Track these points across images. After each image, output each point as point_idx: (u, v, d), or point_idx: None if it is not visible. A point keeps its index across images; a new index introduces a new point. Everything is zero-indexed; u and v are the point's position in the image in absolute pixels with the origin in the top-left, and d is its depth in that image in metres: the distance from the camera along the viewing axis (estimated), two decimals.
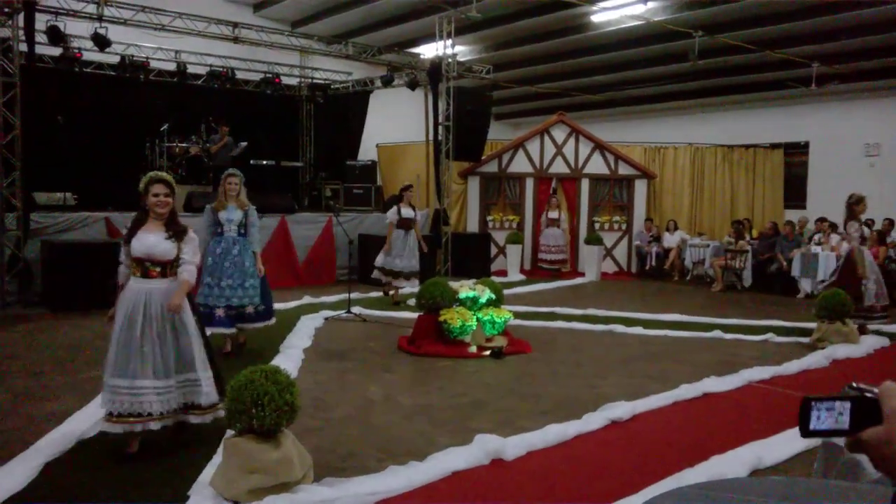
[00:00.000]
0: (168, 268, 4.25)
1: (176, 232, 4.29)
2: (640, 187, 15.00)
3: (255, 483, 3.52)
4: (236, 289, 6.50)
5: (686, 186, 15.78)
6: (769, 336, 8.23)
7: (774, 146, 16.34)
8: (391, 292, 10.37)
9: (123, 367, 4.05)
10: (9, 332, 7.77)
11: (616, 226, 14.94)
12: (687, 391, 5.77)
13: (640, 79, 17.55)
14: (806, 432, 1.15)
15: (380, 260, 10.07)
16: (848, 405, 1.12)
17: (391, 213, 10.13)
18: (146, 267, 4.21)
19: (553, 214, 14.55)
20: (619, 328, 8.57)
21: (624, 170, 14.94)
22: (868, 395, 1.12)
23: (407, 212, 10.04)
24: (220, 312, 6.45)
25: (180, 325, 4.23)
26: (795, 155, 16.83)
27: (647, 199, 15.08)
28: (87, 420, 4.67)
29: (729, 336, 8.26)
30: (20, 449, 4.15)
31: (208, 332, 5.08)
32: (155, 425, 4.10)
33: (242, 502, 3.49)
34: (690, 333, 8.40)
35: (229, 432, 3.82)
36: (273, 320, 7.01)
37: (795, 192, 16.47)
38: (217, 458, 3.91)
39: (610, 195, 15.06)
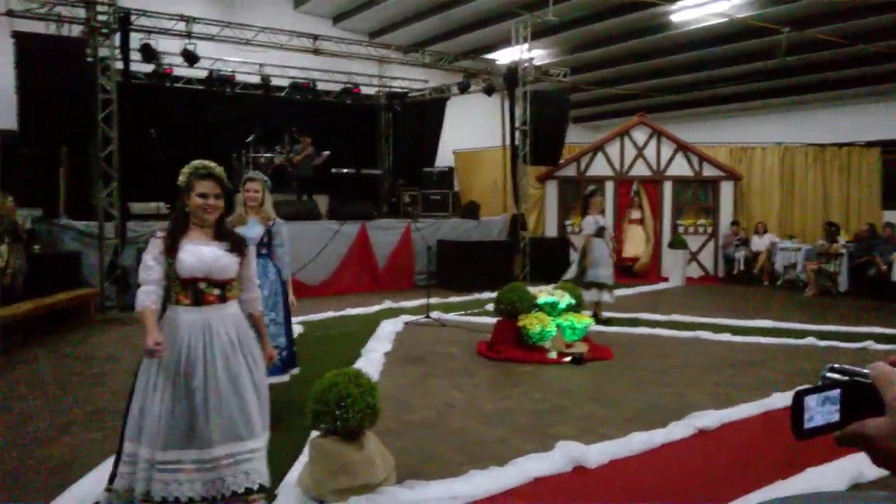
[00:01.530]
0: (227, 289, 3.18)
1: (235, 242, 3.25)
2: (727, 189, 14.53)
3: (340, 483, 3.58)
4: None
5: (775, 188, 15.17)
6: (868, 343, 7.80)
7: (870, 144, 15.51)
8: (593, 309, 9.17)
9: (178, 433, 2.99)
10: (108, 335, 8.20)
11: (701, 229, 14.52)
12: (779, 400, 5.53)
13: (724, 77, 17.04)
14: (801, 433, 1.01)
15: (591, 274, 8.93)
16: (837, 393, 0.97)
17: (590, 224, 9.03)
18: (200, 290, 3.10)
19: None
20: (706, 335, 8.30)
21: (709, 171, 14.51)
22: (860, 379, 0.95)
23: (600, 220, 9.15)
24: None
25: (252, 368, 3.19)
26: (894, 153, 15.93)
27: (734, 202, 14.60)
28: None
29: (824, 343, 7.88)
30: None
31: None
32: None
33: (328, 502, 3.56)
34: (782, 340, 8.06)
35: (314, 433, 3.90)
36: (297, 370, 5.12)
37: (895, 193, 15.58)
38: (304, 458, 4.00)
39: (694, 198, 14.65)
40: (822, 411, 0.98)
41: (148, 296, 3.07)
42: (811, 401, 0.98)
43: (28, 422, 4.98)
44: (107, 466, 4.00)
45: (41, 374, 6.37)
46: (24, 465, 4.16)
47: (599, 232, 9.05)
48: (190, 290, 3.09)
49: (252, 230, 4.87)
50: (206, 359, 3.03)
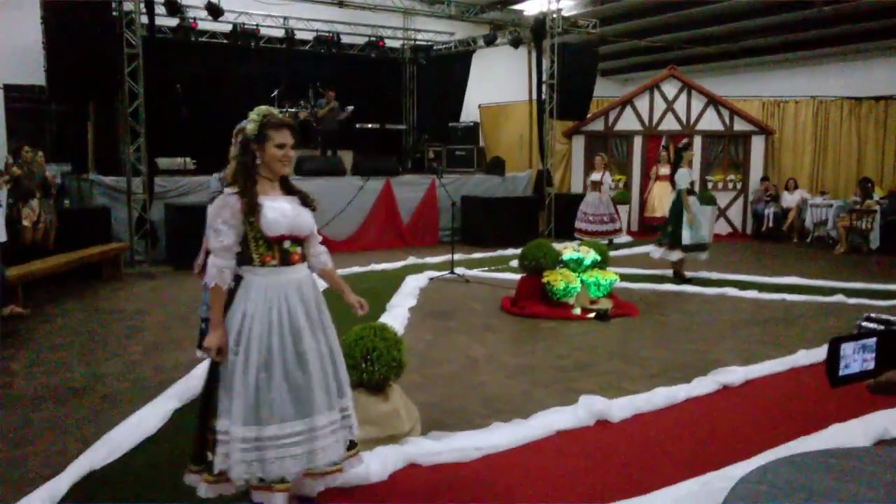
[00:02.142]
0: (304, 247, 2.93)
1: (304, 196, 2.97)
2: (758, 144, 14.25)
3: (366, 434, 3.64)
4: None
5: (808, 143, 14.81)
6: None
7: None
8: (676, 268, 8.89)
9: (292, 404, 2.75)
10: (139, 288, 8.36)
11: (731, 185, 14.31)
12: (804, 357, 5.50)
13: (758, 28, 16.51)
14: (835, 380, 1.01)
15: (687, 236, 8.44)
16: (873, 342, 0.98)
17: (684, 177, 8.43)
18: (286, 249, 2.82)
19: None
20: (732, 291, 8.23)
21: (740, 126, 14.22)
22: None
23: (693, 174, 8.51)
24: None
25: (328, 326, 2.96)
26: None
27: (765, 157, 14.34)
28: None
29: (852, 301, 7.77)
30: (153, 396, 4.48)
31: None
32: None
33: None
34: (810, 298, 7.97)
35: None
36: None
37: None
38: None
39: (724, 153, 14.40)
40: (857, 359, 0.98)
41: (221, 273, 2.75)
42: (847, 349, 0.99)
43: (62, 372, 5.13)
44: (142, 413, 4.13)
45: (74, 327, 6.53)
46: (61, 414, 4.30)
47: (693, 187, 8.62)
48: (276, 249, 2.79)
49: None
50: (308, 320, 2.81)
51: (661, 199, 13.38)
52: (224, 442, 2.70)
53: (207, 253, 2.92)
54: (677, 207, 8.55)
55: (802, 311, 7.40)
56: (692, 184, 8.64)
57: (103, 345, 5.92)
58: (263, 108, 2.90)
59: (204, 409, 2.81)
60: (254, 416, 2.69)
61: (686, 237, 8.46)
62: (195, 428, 2.84)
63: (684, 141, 9.33)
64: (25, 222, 8.05)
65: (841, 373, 1.00)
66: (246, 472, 2.69)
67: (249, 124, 2.85)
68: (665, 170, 13.23)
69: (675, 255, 8.64)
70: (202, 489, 2.80)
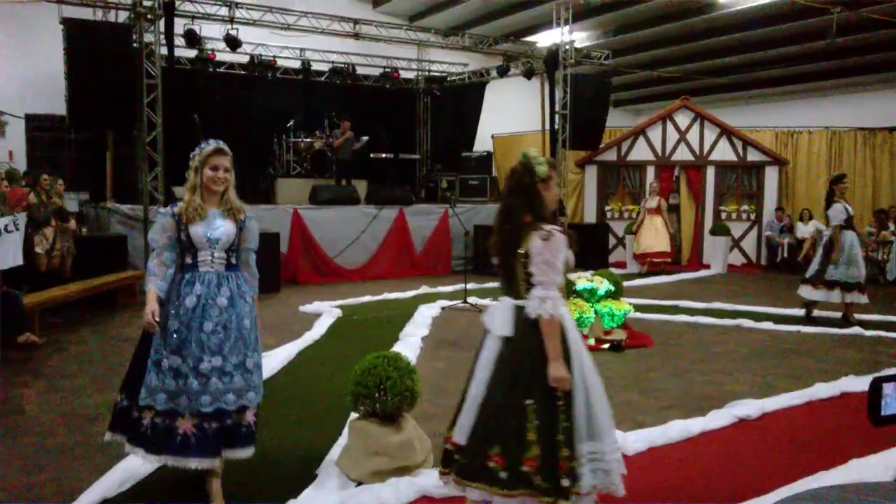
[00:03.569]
0: None
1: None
2: (771, 174, 14.22)
3: (378, 465, 3.63)
4: (229, 376, 3.37)
5: (822, 173, 14.72)
6: None
7: None
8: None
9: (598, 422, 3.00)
10: None
11: (744, 215, 14.25)
12: (822, 390, 5.43)
13: (771, 60, 16.60)
14: (877, 420, 0.99)
15: (834, 273, 8.02)
16: None
17: (839, 213, 7.98)
18: None
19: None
20: (748, 323, 8.16)
21: (753, 156, 14.21)
22: None
23: (849, 208, 8.12)
24: (188, 427, 3.34)
25: None
26: None
27: (779, 187, 14.28)
28: None
29: (870, 333, 7.69)
30: None
31: (166, 462, 3.39)
32: None
33: (366, 483, 3.61)
34: (826, 329, 7.88)
35: (353, 414, 3.95)
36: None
37: None
38: (342, 440, 4.06)
39: (738, 183, 14.37)
40: None
41: (556, 305, 2.97)
42: (889, 388, 0.99)
43: (77, 399, 5.15)
44: None
45: (88, 355, 6.56)
46: (74, 441, 4.31)
47: (849, 222, 8.09)
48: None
49: (217, 227, 3.39)
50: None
51: (652, 235, 12.71)
52: (593, 461, 2.91)
53: None
54: (830, 244, 8.08)
55: (818, 342, 7.33)
56: (850, 219, 8.08)
57: (118, 373, 5.89)
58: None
59: (553, 439, 2.87)
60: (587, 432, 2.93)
61: (833, 274, 8.02)
62: (548, 465, 2.85)
63: (837, 172, 8.89)
64: (38, 249, 8.11)
65: (883, 412, 1.00)
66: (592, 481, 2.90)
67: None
68: (653, 202, 12.77)
69: (839, 297, 8.10)
70: None
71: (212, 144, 3.47)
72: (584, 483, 2.87)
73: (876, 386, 0.97)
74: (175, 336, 3.32)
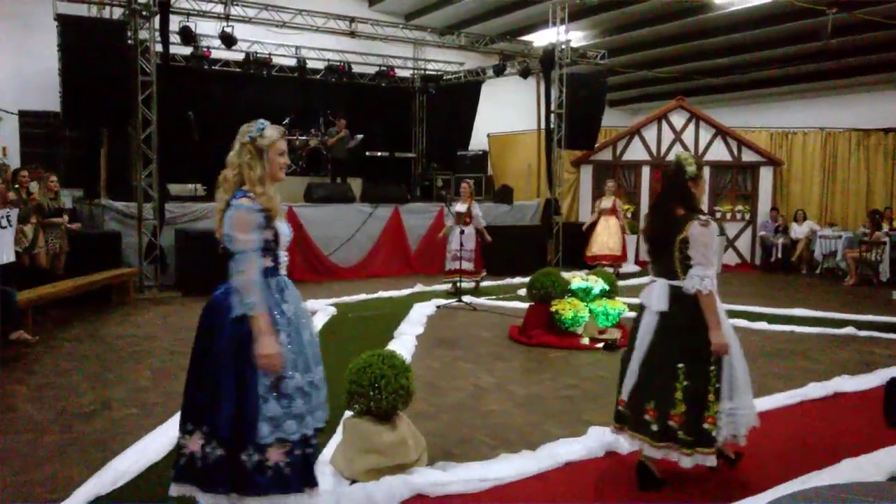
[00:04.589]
0: None
1: None
2: (766, 175, 14.26)
3: (373, 463, 3.63)
4: (321, 390, 3.07)
5: (816, 174, 14.81)
6: None
7: None
8: None
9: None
10: (147, 314, 8.38)
11: (739, 215, 14.29)
12: (816, 390, 5.45)
13: (766, 60, 16.62)
14: (893, 421, 0.99)
15: None
16: None
17: None
18: None
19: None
20: (742, 323, 8.13)
21: (748, 157, 14.24)
22: None
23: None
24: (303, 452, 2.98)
25: None
26: None
27: (774, 188, 14.32)
28: None
29: (863, 333, 7.71)
30: (159, 422, 4.47)
31: None
32: None
33: (360, 481, 3.60)
34: (820, 330, 7.91)
35: (348, 413, 3.95)
36: None
37: None
38: (337, 438, 4.06)
39: (733, 183, 14.40)
40: None
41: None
42: None
43: (70, 397, 5.13)
44: (149, 440, 4.12)
45: (82, 352, 6.53)
46: (68, 439, 4.29)
47: None
48: None
49: (285, 225, 3.08)
50: None
51: (605, 237, 12.23)
52: (730, 415, 3.56)
53: None
54: None
55: (812, 343, 7.35)
56: None
57: (111, 370, 5.92)
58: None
59: (701, 399, 3.51)
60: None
61: None
62: (694, 419, 3.50)
63: None
64: (17, 248, 8.02)
65: None
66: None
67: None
68: (608, 203, 12.28)
69: None
70: (686, 461, 3.53)
71: (270, 125, 3.02)
72: (721, 436, 3.53)
73: (892, 387, 0.96)
74: (289, 351, 2.90)
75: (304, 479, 2.92)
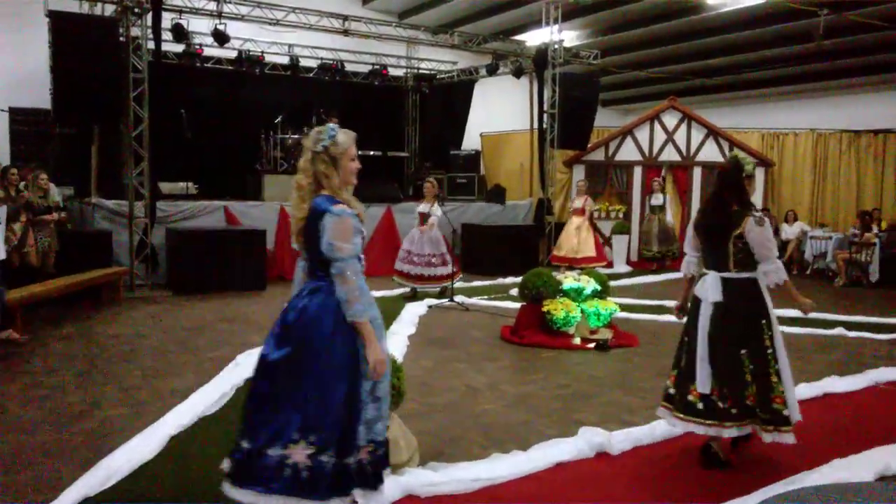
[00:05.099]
0: None
1: None
2: (757, 176, 14.22)
3: None
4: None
5: (807, 175, 14.88)
6: None
7: None
8: None
9: None
10: (137, 313, 8.34)
11: None
12: (805, 390, 5.45)
13: (758, 61, 16.69)
14: None
15: None
16: None
17: None
18: None
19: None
20: None
21: None
22: None
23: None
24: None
25: None
26: None
27: (765, 189, 14.37)
28: (208, 397, 4.93)
29: (853, 334, 7.76)
30: (150, 422, 4.44)
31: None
32: None
33: None
34: (809, 330, 7.92)
35: None
36: None
37: None
38: None
39: None
40: None
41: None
42: None
43: (60, 396, 5.10)
44: (139, 439, 4.10)
45: (71, 351, 6.50)
46: (57, 439, 4.27)
47: None
48: None
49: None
50: None
51: (573, 237, 12.12)
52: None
53: None
54: None
55: (803, 344, 7.37)
56: None
57: (101, 369, 5.89)
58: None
59: (767, 379, 3.81)
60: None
61: None
62: (765, 399, 3.81)
63: None
64: (6, 246, 7.96)
65: None
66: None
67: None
68: (579, 202, 12.21)
69: None
70: (767, 437, 3.83)
71: (341, 131, 3.03)
72: (793, 417, 3.78)
73: None
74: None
75: (380, 476, 2.99)
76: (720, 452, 3.95)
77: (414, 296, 9.34)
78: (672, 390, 4.05)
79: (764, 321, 3.88)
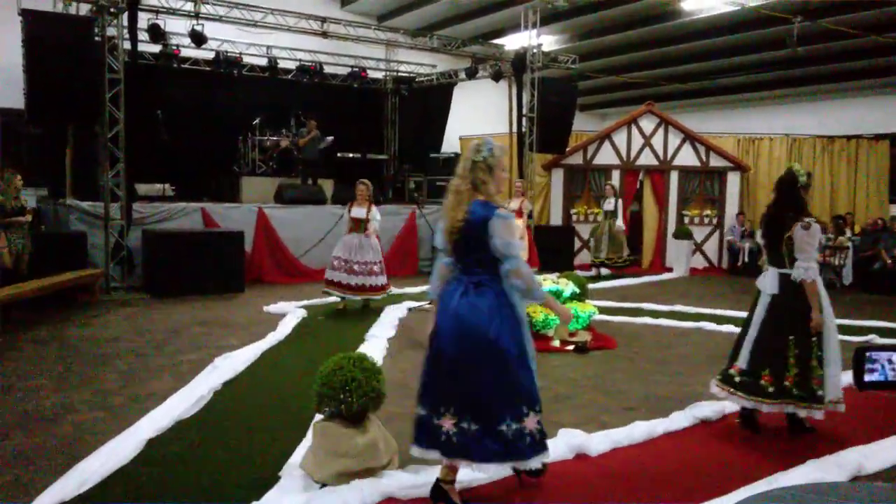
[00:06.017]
0: None
1: None
2: (733, 180, 14.50)
3: (343, 467, 3.60)
4: None
5: None
6: (871, 337, 7.82)
7: (879, 137, 15.42)
8: None
9: None
10: (113, 316, 8.23)
11: (707, 220, 14.49)
12: None
13: (734, 67, 16.93)
14: (861, 384, 1.15)
15: None
16: None
17: None
18: None
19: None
20: (709, 325, 8.29)
21: (716, 162, 14.46)
22: None
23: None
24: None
25: None
26: None
27: (741, 193, 14.55)
28: (185, 401, 4.88)
29: None
30: (126, 426, 4.39)
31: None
32: None
33: (331, 485, 3.58)
34: None
35: (318, 416, 3.92)
36: None
37: None
38: (307, 441, 4.03)
39: (700, 188, 14.61)
40: (888, 369, 1.16)
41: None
42: (879, 356, 1.16)
43: (34, 400, 5.02)
44: (115, 443, 4.04)
45: (46, 355, 6.40)
46: (31, 443, 4.20)
47: None
48: None
49: None
50: None
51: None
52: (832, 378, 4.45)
53: None
54: None
55: None
56: None
57: (76, 373, 5.81)
58: None
59: (808, 364, 4.40)
60: None
61: None
62: (804, 381, 4.39)
63: None
64: None
65: (867, 378, 1.19)
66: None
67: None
68: (515, 204, 11.49)
69: None
70: (801, 412, 4.46)
71: (496, 145, 3.48)
72: (827, 395, 4.36)
73: (859, 356, 1.18)
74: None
75: (544, 444, 3.45)
76: (756, 420, 4.63)
77: (345, 308, 8.74)
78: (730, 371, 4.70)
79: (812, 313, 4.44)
